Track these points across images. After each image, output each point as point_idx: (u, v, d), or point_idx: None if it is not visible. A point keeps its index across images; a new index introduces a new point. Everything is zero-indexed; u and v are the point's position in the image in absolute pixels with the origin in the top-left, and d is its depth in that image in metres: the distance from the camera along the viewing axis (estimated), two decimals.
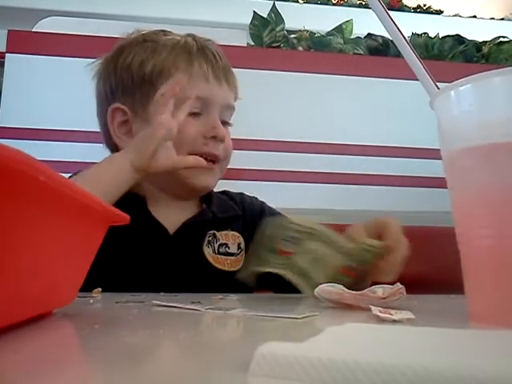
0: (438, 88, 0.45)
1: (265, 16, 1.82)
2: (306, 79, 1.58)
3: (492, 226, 0.39)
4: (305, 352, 0.21)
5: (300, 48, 1.81)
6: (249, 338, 0.37)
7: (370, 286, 0.51)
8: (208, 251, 0.72)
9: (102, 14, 2.30)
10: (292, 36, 1.84)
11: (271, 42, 1.78)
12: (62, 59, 1.46)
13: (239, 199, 0.81)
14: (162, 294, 0.55)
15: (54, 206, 0.31)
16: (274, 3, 1.84)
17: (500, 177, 0.39)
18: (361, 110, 1.58)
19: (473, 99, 0.41)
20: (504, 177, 0.38)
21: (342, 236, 0.60)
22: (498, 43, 1.88)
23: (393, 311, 0.40)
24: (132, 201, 0.64)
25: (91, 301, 0.48)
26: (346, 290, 0.48)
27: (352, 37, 1.89)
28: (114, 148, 0.75)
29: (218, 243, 0.73)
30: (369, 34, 1.85)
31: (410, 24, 1.84)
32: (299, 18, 1.96)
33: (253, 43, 1.79)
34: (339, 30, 1.88)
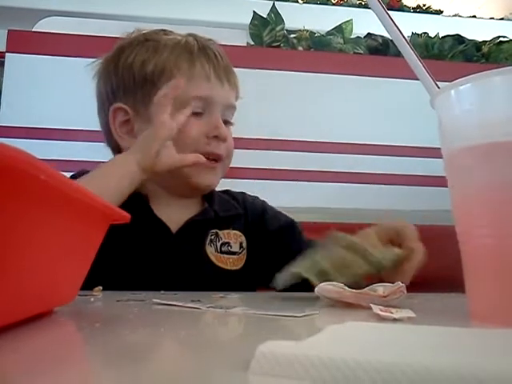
0: (438, 87, 0.45)
1: (265, 16, 1.82)
2: (306, 79, 1.59)
3: (492, 224, 0.39)
4: (305, 351, 0.21)
5: (300, 48, 1.81)
6: (249, 336, 0.37)
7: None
8: (210, 250, 0.72)
9: (101, 13, 2.30)
10: (292, 36, 1.84)
11: (271, 41, 1.78)
12: (61, 59, 1.46)
13: (241, 198, 0.81)
14: (162, 292, 0.55)
15: (54, 205, 0.31)
16: (273, 3, 1.84)
17: (500, 176, 0.39)
18: (361, 110, 1.58)
19: (473, 98, 0.41)
20: (504, 176, 0.38)
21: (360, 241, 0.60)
22: (498, 43, 1.89)
23: (393, 310, 0.41)
24: (134, 199, 0.64)
25: (92, 299, 0.48)
26: (346, 288, 0.48)
27: (352, 36, 1.89)
28: (115, 147, 0.75)
29: (221, 242, 0.74)
30: (369, 34, 1.85)
31: (409, 24, 1.84)
32: (299, 18, 1.96)
33: (253, 43, 1.79)
34: (339, 29, 1.88)
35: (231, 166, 0.78)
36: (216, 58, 0.74)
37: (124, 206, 0.59)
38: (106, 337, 0.32)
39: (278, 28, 1.80)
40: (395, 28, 0.49)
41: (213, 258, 0.72)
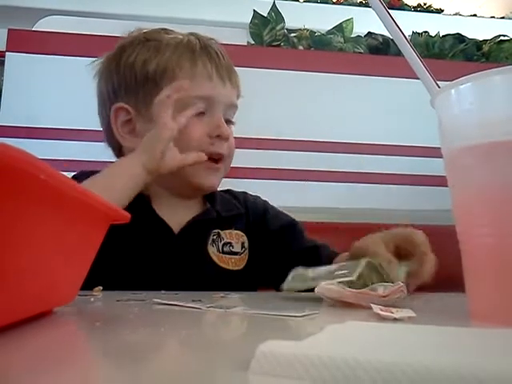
0: (439, 86, 0.45)
1: (265, 15, 1.82)
2: (306, 78, 1.58)
3: (492, 224, 0.39)
4: (305, 350, 0.21)
5: (300, 47, 1.81)
6: (249, 336, 0.37)
7: None
8: (212, 250, 0.72)
9: (101, 13, 2.30)
10: (292, 35, 1.84)
11: (271, 40, 1.78)
12: (61, 58, 1.46)
13: (242, 198, 0.81)
14: (162, 292, 0.55)
15: (54, 205, 0.31)
16: (274, 2, 1.84)
17: (500, 175, 0.39)
18: (361, 109, 1.58)
19: (473, 98, 0.41)
20: (504, 175, 0.38)
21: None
22: (499, 42, 1.89)
23: (394, 309, 0.40)
24: (136, 200, 0.64)
25: (92, 299, 0.48)
26: (346, 288, 0.48)
27: (352, 35, 1.89)
28: (116, 147, 0.75)
29: (223, 242, 0.73)
30: (369, 33, 1.85)
31: (410, 23, 1.85)
32: (299, 17, 1.95)
33: (253, 42, 1.79)
34: (339, 28, 1.88)
35: (232, 165, 0.78)
36: (218, 57, 0.74)
37: (126, 206, 0.60)
38: (106, 336, 0.32)
39: (278, 27, 1.80)
40: (396, 27, 0.49)
41: (215, 258, 0.72)
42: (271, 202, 0.84)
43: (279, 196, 0.87)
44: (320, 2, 2.78)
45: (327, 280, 0.51)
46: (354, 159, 1.55)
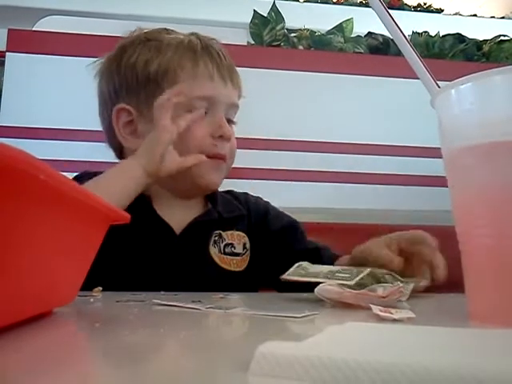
0: (439, 87, 0.45)
1: (265, 15, 1.82)
2: (306, 78, 1.58)
3: (492, 225, 0.39)
4: (305, 351, 0.21)
5: (300, 47, 1.81)
6: (249, 337, 0.37)
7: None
8: (214, 251, 0.72)
9: (101, 13, 2.30)
10: (292, 35, 1.84)
11: (271, 40, 1.78)
12: (62, 58, 1.46)
13: (244, 199, 0.81)
14: (162, 292, 0.55)
15: (54, 205, 0.31)
16: (274, 2, 1.84)
17: (501, 175, 0.39)
18: (361, 109, 1.58)
19: (473, 98, 0.41)
20: (504, 175, 0.38)
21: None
22: (499, 42, 1.89)
23: (393, 310, 0.40)
24: (138, 201, 0.64)
25: (91, 300, 0.48)
26: (346, 288, 0.48)
27: (352, 35, 1.89)
28: (117, 147, 0.75)
29: (224, 243, 0.73)
30: (369, 33, 1.85)
31: (410, 23, 1.84)
32: (299, 17, 1.95)
33: (253, 42, 1.79)
34: (340, 28, 1.88)
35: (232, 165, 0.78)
36: (219, 57, 0.74)
37: (127, 207, 0.60)
38: (105, 337, 0.32)
39: (278, 27, 1.80)
40: (396, 27, 0.49)
41: (216, 260, 0.72)
42: (271, 203, 0.84)
43: (278, 196, 0.87)
44: (320, 2, 2.78)
45: (327, 279, 0.51)
46: (353, 159, 1.55)
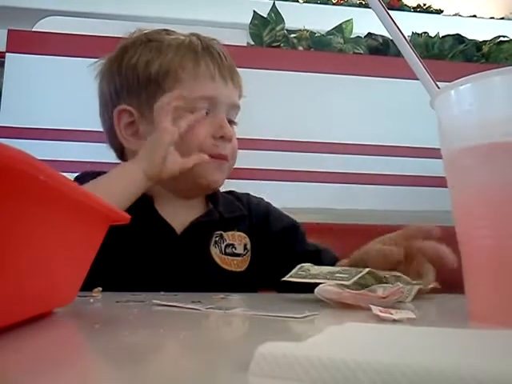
0: (438, 87, 0.45)
1: (265, 16, 1.82)
2: (306, 79, 1.59)
3: (492, 225, 0.39)
4: (305, 352, 0.21)
5: (300, 47, 1.81)
6: (249, 337, 0.37)
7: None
8: (215, 251, 0.72)
9: (101, 13, 2.30)
10: (292, 35, 1.84)
11: (271, 41, 1.78)
12: (61, 59, 1.46)
13: (245, 200, 0.81)
14: (162, 293, 0.55)
15: (53, 206, 0.31)
16: (274, 3, 1.84)
17: (500, 176, 0.39)
18: (361, 110, 1.58)
19: (473, 98, 0.41)
20: (504, 176, 0.38)
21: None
22: (498, 42, 1.89)
23: (393, 311, 0.40)
24: (139, 201, 0.64)
25: (91, 300, 0.48)
26: (345, 289, 0.48)
27: (352, 36, 1.89)
28: (119, 148, 0.75)
29: (225, 244, 0.73)
30: (369, 34, 1.85)
31: (410, 23, 1.84)
32: (299, 18, 1.95)
33: (253, 43, 1.79)
34: (339, 29, 1.88)
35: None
36: (220, 58, 0.74)
37: (129, 207, 0.60)
38: (105, 338, 0.32)
39: (278, 28, 1.80)
40: (395, 28, 0.49)
41: (217, 260, 0.72)
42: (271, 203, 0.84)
43: (278, 197, 0.87)
44: (320, 3, 2.79)
45: (326, 280, 0.51)
46: (353, 160, 1.55)
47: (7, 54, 1.46)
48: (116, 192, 0.62)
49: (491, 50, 1.85)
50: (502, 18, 3.02)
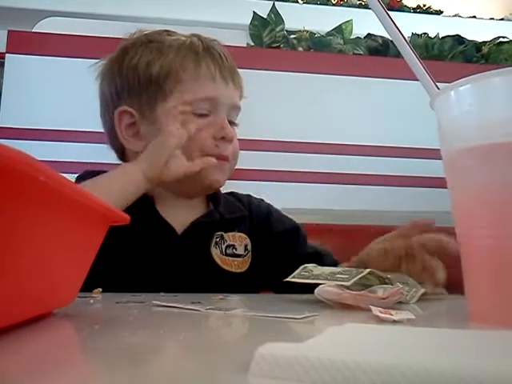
0: (438, 88, 0.45)
1: (265, 16, 1.82)
2: (305, 79, 1.59)
3: (492, 226, 0.39)
4: (305, 352, 0.21)
5: (300, 48, 1.81)
6: (249, 338, 0.37)
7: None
8: (216, 252, 0.72)
9: (101, 14, 2.30)
10: (292, 36, 1.84)
11: (271, 42, 1.78)
12: (61, 59, 1.46)
13: (246, 201, 0.81)
14: (162, 294, 0.55)
15: (53, 206, 0.31)
16: (273, 3, 1.84)
17: (500, 177, 0.39)
18: (361, 110, 1.58)
19: (472, 99, 0.41)
20: (504, 177, 0.38)
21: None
22: (498, 43, 1.89)
23: (393, 311, 0.40)
24: (140, 201, 0.64)
25: (91, 301, 0.48)
26: (345, 289, 0.48)
27: (352, 37, 1.89)
28: (119, 149, 0.75)
29: (226, 244, 0.73)
30: (368, 35, 1.85)
31: (409, 24, 1.84)
32: (299, 19, 1.96)
33: (253, 43, 1.79)
34: (339, 30, 1.88)
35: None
36: (221, 59, 0.74)
37: (130, 207, 0.60)
38: (105, 338, 0.32)
39: (277, 28, 1.80)
40: (395, 28, 0.49)
41: (218, 261, 0.72)
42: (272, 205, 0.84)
43: (278, 198, 0.87)
44: (319, 4, 2.79)
45: (327, 280, 0.51)
46: (353, 160, 1.55)
47: (7, 54, 1.46)
48: (113, 191, 0.62)
49: (491, 51, 1.85)
50: (502, 19, 3.03)
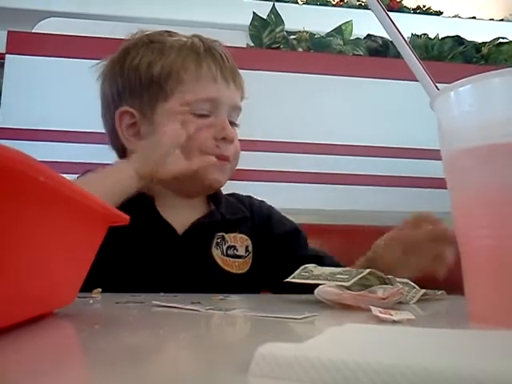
0: (438, 89, 0.45)
1: (264, 17, 1.82)
2: (305, 80, 1.59)
3: (492, 226, 0.40)
4: (305, 352, 0.21)
5: (300, 49, 1.81)
6: (249, 338, 0.37)
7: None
8: (217, 253, 0.72)
9: (101, 15, 2.30)
10: (292, 37, 1.84)
11: (271, 43, 1.78)
12: (61, 60, 1.46)
13: (247, 202, 0.81)
14: (161, 294, 0.55)
15: (53, 207, 0.31)
16: (273, 4, 1.84)
17: (500, 177, 0.39)
18: (361, 111, 1.58)
19: (472, 100, 0.41)
20: (504, 177, 0.39)
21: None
22: (498, 44, 1.89)
23: (393, 312, 0.40)
24: (140, 201, 0.64)
25: (91, 301, 0.48)
26: (345, 290, 0.48)
27: (352, 38, 1.89)
28: (120, 149, 0.75)
29: (227, 245, 0.73)
30: (368, 35, 1.85)
31: (409, 25, 1.85)
32: (299, 19, 1.95)
33: (252, 44, 1.79)
34: (339, 31, 1.88)
35: None
36: (222, 59, 0.74)
37: (130, 207, 0.59)
38: (105, 339, 0.32)
39: (277, 29, 1.80)
40: (395, 29, 0.49)
41: (219, 261, 0.72)
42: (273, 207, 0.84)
43: (276, 198, 0.87)
44: (319, 5, 2.78)
45: (327, 281, 0.51)
46: (353, 161, 1.55)
47: (7, 55, 1.46)
48: (106, 184, 0.62)
49: (491, 52, 1.85)
50: (502, 20, 3.03)
